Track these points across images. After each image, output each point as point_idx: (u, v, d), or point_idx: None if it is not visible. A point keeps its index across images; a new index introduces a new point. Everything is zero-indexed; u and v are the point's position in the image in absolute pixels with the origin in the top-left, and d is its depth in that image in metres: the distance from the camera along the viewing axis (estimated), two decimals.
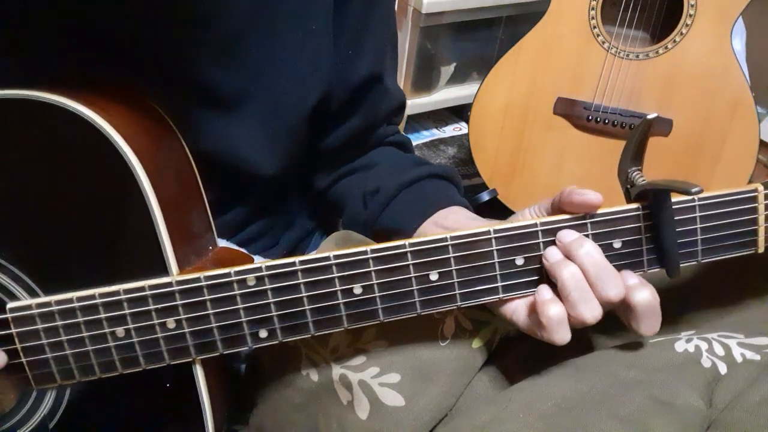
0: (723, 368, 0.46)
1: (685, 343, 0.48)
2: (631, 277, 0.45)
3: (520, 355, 0.53)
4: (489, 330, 0.53)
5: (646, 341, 0.50)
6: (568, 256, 0.44)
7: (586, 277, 0.43)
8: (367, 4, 0.61)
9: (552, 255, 0.44)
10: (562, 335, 0.44)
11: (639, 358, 0.48)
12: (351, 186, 0.70)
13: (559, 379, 0.48)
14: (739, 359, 0.47)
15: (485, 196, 1.18)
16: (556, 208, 0.47)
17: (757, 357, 0.47)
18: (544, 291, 0.45)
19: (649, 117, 0.42)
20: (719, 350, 0.48)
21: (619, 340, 0.53)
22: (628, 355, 0.49)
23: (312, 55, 0.58)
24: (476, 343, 0.52)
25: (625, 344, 0.50)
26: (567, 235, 0.44)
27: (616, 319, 0.52)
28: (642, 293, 0.44)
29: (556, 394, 0.46)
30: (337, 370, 0.50)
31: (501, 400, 0.48)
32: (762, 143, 1.09)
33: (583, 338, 0.54)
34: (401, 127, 1.44)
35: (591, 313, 0.43)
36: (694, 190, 0.38)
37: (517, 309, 0.47)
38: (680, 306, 0.54)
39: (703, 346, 0.48)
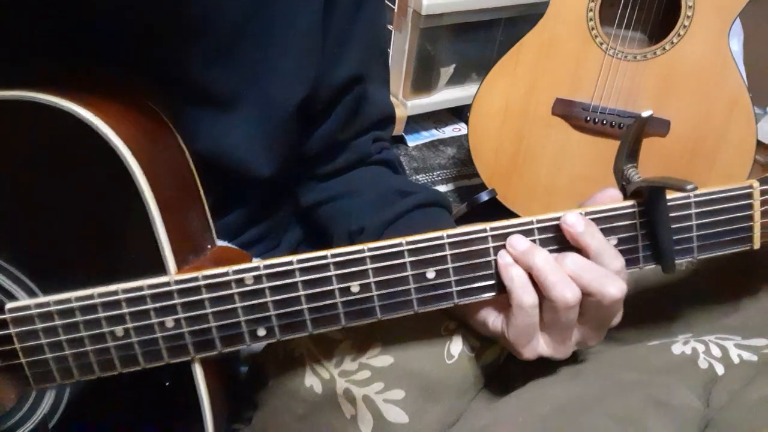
0: (720, 369, 0.47)
1: (682, 345, 0.49)
2: (521, 242, 0.44)
3: (520, 362, 0.53)
4: (497, 349, 0.52)
5: (644, 344, 0.50)
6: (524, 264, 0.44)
7: (582, 284, 0.43)
8: (355, 5, 0.60)
9: (518, 244, 0.44)
10: (524, 294, 0.44)
11: (637, 361, 0.48)
12: (336, 216, 0.68)
13: (557, 382, 0.48)
14: (737, 360, 0.47)
15: (484, 197, 1.18)
16: None
17: (755, 358, 0.47)
18: (506, 255, 0.44)
19: (643, 114, 0.42)
20: (716, 352, 0.48)
21: (617, 343, 0.53)
22: (625, 358, 0.49)
23: (300, 55, 0.58)
24: (483, 362, 0.52)
25: (623, 348, 0.51)
26: (518, 244, 0.44)
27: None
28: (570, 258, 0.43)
29: (555, 397, 0.46)
30: (341, 384, 0.50)
31: (500, 404, 0.48)
32: (759, 144, 1.09)
33: None
34: (401, 127, 1.44)
35: (571, 292, 0.43)
36: (689, 187, 0.38)
37: (488, 314, 0.48)
38: (677, 308, 0.54)
39: (700, 347, 0.48)
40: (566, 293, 0.42)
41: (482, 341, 0.52)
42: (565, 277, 0.43)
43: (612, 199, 0.45)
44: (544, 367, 0.52)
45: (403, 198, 0.64)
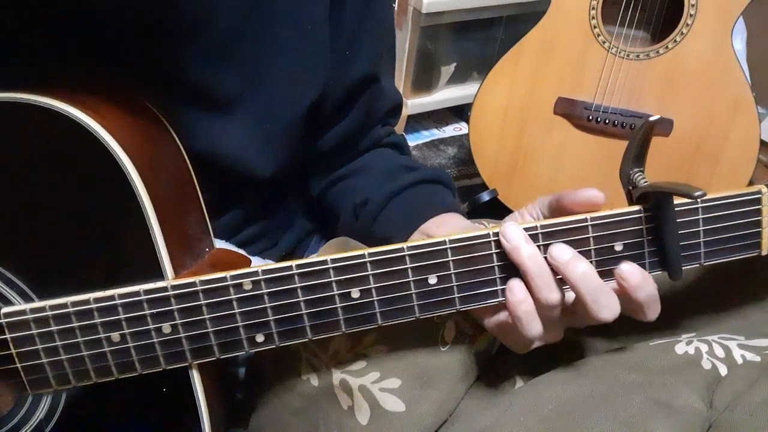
0: (723, 370, 0.46)
1: (685, 345, 0.48)
2: (635, 274, 0.43)
3: (520, 358, 0.53)
4: (490, 334, 0.52)
5: (647, 344, 0.50)
6: (563, 276, 0.43)
7: (581, 298, 0.43)
8: (364, 2, 0.60)
9: (512, 237, 0.43)
10: (535, 328, 0.44)
11: (639, 361, 0.48)
12: (342, 194, 0.69)
13: (559, 383, 0.48)
14: (740, 361, 0.47)
15: (485, 196, 1.17)
16: (554, 209, 0.46)
17: (758, 358, 0.47)
18: (516, 292, 0.44)
19: (651, 119, 0.41)
20: (720, 352, 0.47)
21: (620, 343, 0.52)
22: (628, 358, 0.48)
23: (307, 56, 0.58)
24: (477, 348, 0.52)
25: (626, 347, 0.50)
26: (562, 254, 0.43)
27: (616, 323, 0.52)
28: (646, 288, 0.43)
29: (557, 397, 0.46)
30: (337, 375, 0.50)
31: (501, 404, 0.48)
32: (763, 143, 1.08)
33: (584, 342, 0.54)
34: (401, 126, 1.44)
35: (556, 296, 0.43)
36: (696, 194, 0.38)
37: (485, 318, 0.48)
38: (680, 308, 0.53)
39: (704, 348, 0.48)
40: (551, 297, 0.43)
41: (475, 328, 0.52)
42: (551, 281, 0.43)
43: (588, 201, 0.44)
44: (546, 364, 0.51)
45: (408, 173, 0.65)
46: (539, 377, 0.50)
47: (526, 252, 0.42)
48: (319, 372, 0.51)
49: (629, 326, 0.52)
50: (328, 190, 0.71)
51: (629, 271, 0.43)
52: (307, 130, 0.63)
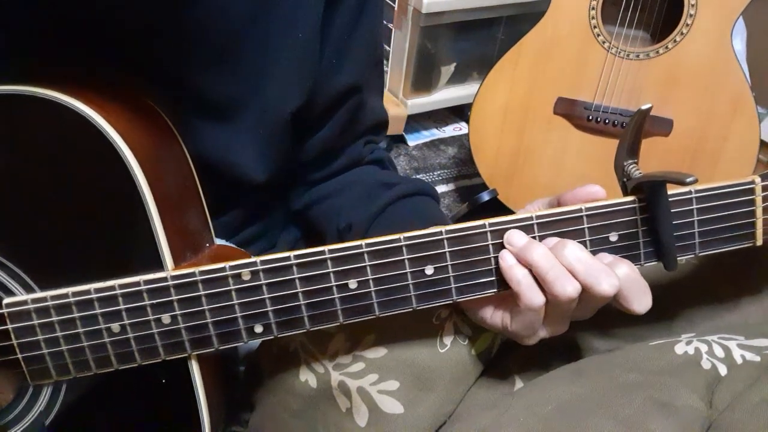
0: (723, 370, 0.46)
1: (685, 345, 0.48)
2: (606, 257, 0.44)
3: (519, 359, 0.53)
4: (489, 336, 0.52)
5: (646, 344, 0.50)
6: (523, 260, 0.43)
7: (577, 278, 0.42)
8: (354, 14, 0.60)
9: (517, 240, 0.43)
10: (534, 296, 0.43)
11: (639, 361, 0.48)
12: (325, 215, 0.69)
13: (559, 383, 0.48)
14: (740, 361, 0.47)
15: (485, 196, 1.17)
16: (556, 206, 0.46)
17: (758, 358, 0.47)
18: (507, 257, 0.43)
19: (643, 107, 0.42)
20: (719, 352, 0.47)
21: (620, 343, 0.53)
22: (628, 358, 0.49)
23: (299, 62, 0.58)
24: (476, 349, 0.52)
25: (625, 347, 0.50)
26: (516, 241, 0.43)
27: (616, 322, 0.52)
28: (621, 269, 0.43)
29: (556, 397, 0.46)
30: (335, 377, 0.50)
31: (501, 405, 0.48)
32: (762, 143, 1.09)
33: (584, 342, 0.54)
34: (401, 126, 1.44)
35: (572, 287, 0.42)
36: (688, 180, 0.38)
37: (485, 311, 0.47)
38: (680, 308, 0.53)
39: (703, 348, 0.48)
40: (567, 288, 0.42)
41: (474, 329, 0.52)
42: (564, 271, 0.42)
43: (590, 195, 0.45)
44: (544, 364, 0.51)
45: (387, 190, 0.65)
46: (539, 377, 0.50)
47: (537, 251, 0.42)
48: (317, 374, 0.51)
49: (628, 325, 0.52)
50: (311, 207, 0.71)
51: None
52: (294, 137, 0.63)
